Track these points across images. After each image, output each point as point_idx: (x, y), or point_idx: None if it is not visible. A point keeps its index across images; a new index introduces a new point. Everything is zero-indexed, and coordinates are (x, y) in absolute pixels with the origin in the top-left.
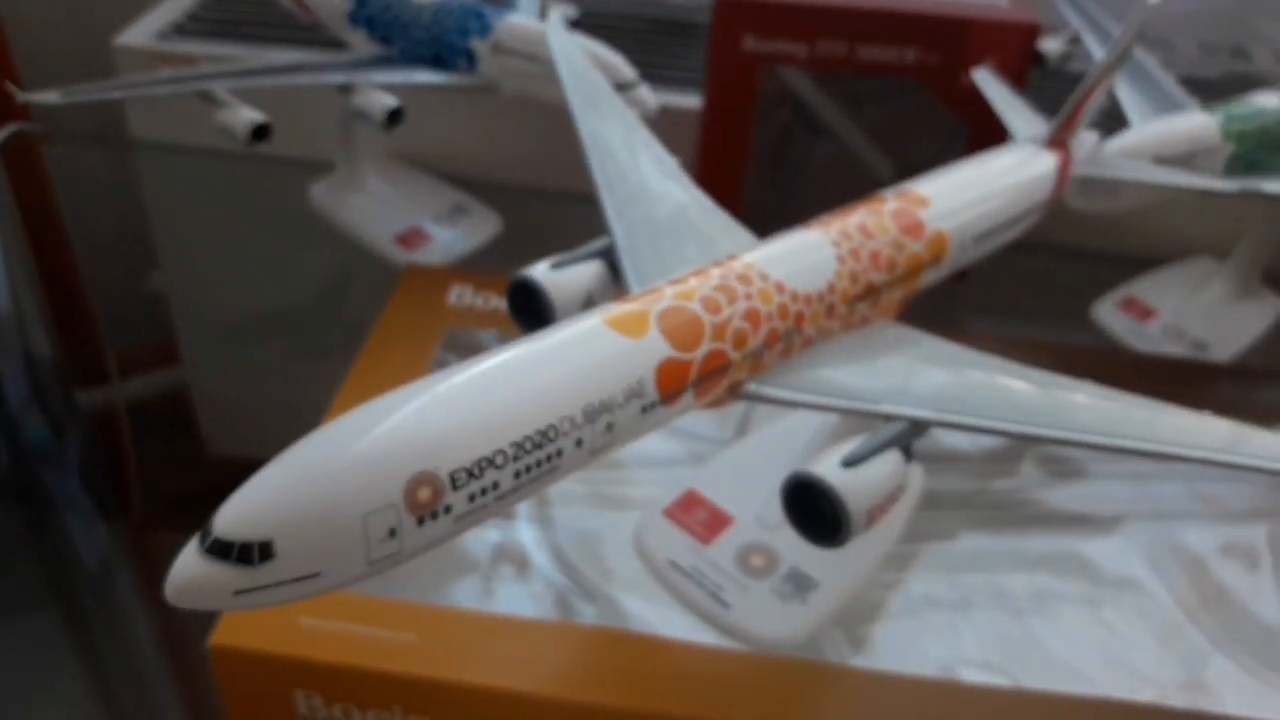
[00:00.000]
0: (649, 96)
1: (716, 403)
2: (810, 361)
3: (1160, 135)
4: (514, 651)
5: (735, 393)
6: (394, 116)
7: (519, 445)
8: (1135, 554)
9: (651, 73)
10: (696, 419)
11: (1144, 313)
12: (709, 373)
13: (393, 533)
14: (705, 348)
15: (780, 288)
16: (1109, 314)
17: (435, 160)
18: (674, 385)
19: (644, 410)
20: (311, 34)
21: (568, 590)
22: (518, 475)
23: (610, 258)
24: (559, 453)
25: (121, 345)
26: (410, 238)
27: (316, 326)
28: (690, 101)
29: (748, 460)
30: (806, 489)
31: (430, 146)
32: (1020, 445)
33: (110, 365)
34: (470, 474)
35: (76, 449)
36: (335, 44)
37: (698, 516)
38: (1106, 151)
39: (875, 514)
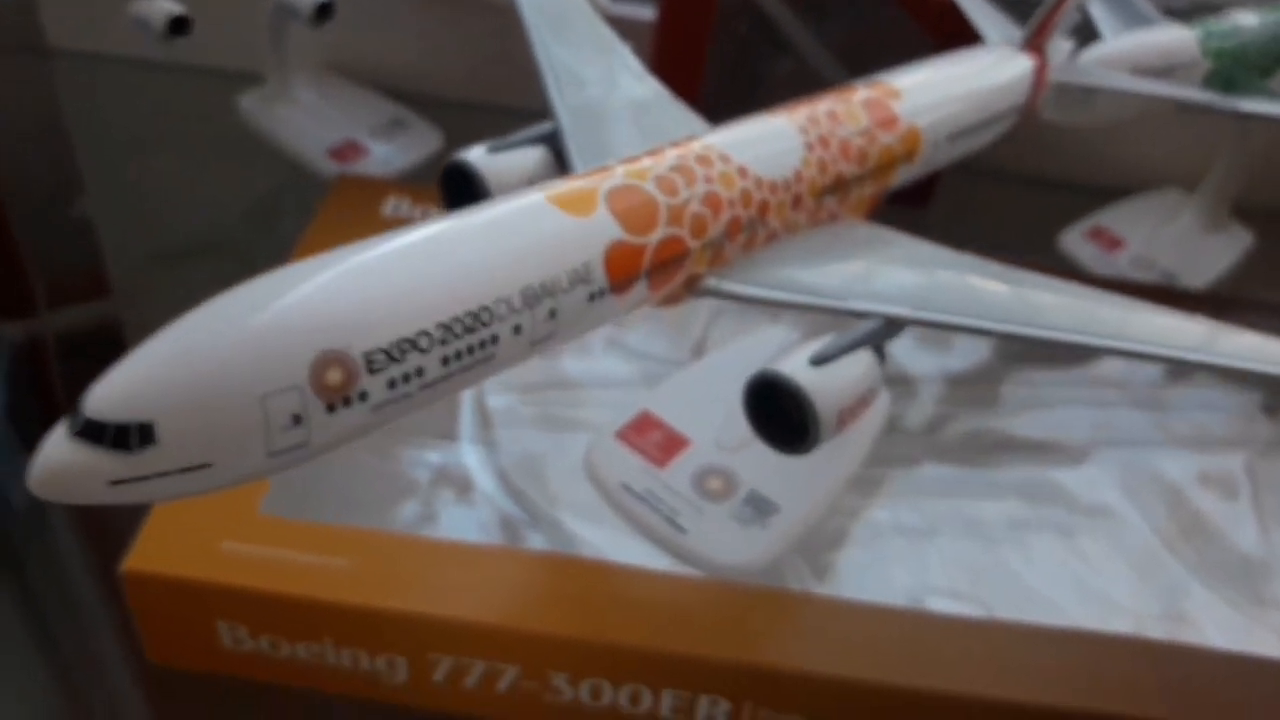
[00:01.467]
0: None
1: (673, 299)
2: (775, 257)
3: (1138, 46)
4: (456, 578)
5: (693, 288)
6: (323, 11)
7: (447, 327)
8: (1109, 482)
9: None
10: (650, 337)
11: (1112, 243)
12: (664, 261)
13: (297, 419)
14: (660, 232)
15: (743, 172)
16: (1076, 243)
17: (374, 72)
18: (625, 272)
19: (591, 298)
20: None
21: (513, 515)
22: (445, 361)
23: (555, 144)
24: (494, 339)
25: (48, 274)
26: (344, 151)
27: (251, 248)
28: (645, 12)
29: (705, 380)
30: (772, 389)
31: (369, 57)
32: (988, 372)
33: (37, 295)
34: (389, 356)
35: (1, 384)
36: None
37: (652, 439)
38: (1083, 61)
39: (846, 416)
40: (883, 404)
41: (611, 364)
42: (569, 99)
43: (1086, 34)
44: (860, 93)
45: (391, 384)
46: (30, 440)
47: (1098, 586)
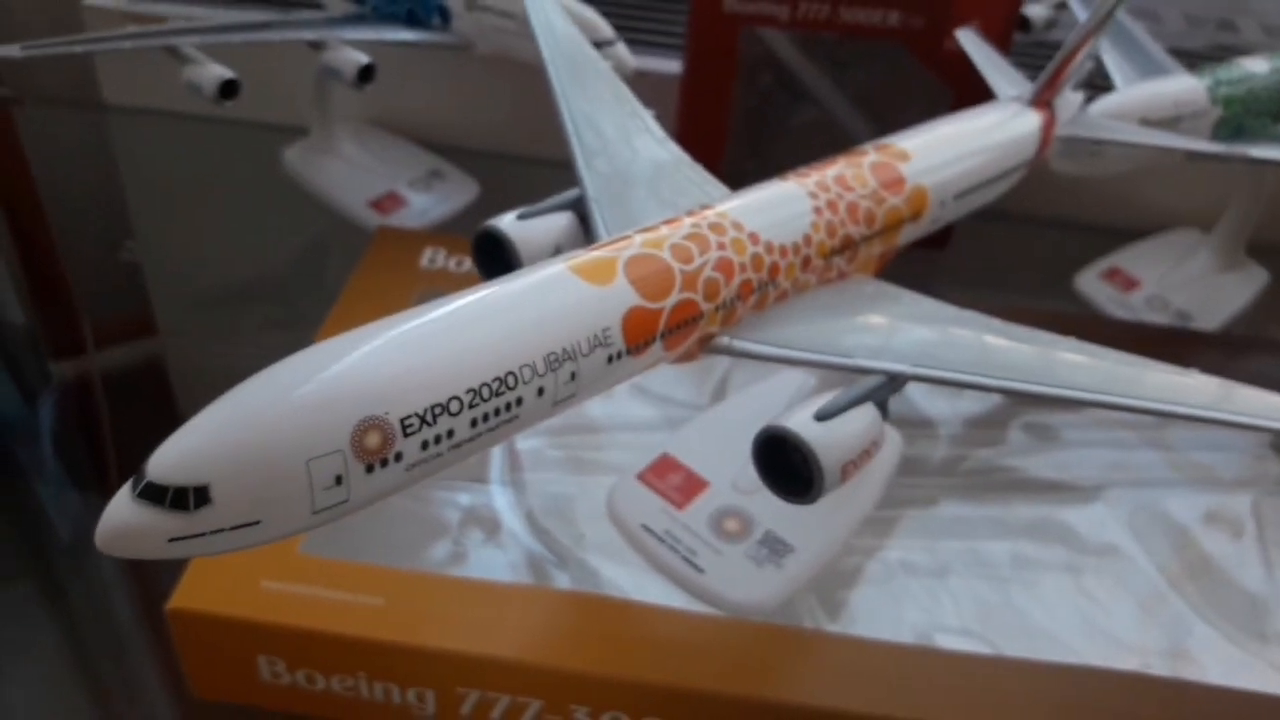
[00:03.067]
0: (627, 56)
1: (688, 356)
2: (785, 315)
3: (1146, 97)
4: (484, 616)
5: (707, 345)
6: (365, 74)
7: (475, 392)
8: (1117, 522)
9: (632, 36)
10: (671, 382)
11: (1128, 283)
12: (678, 323)
13: (339, 480)
14: (675, 297)
15: (754, 238)
16: (1091, 284)
17: (413, 125)
18: (642, 335)
19: (610, 360)
20: None
21: (540, 555)
22: (474, 424)
23: (580, 210)
24: (519, 401)
25: (97, 315)
26: (385, 203)
27: (292, 294)
28: (671, 65)
29: (723, 424)
30: (778, 443)
31: (408, 111)
32: (1001, 412)
33: (86, 335)
34: (423, 420)
35: (50, 420)
36: (310, 4)
37: (672, 481)
38: (1092, 113)
39: (849, 469)
40: (894, 447)
41: (635, 408)
42: (594, 166)
43: (1102, 83)
44: (870, 156)
45: (424, 445)
46: (77, 474)
47: (1104, 624)
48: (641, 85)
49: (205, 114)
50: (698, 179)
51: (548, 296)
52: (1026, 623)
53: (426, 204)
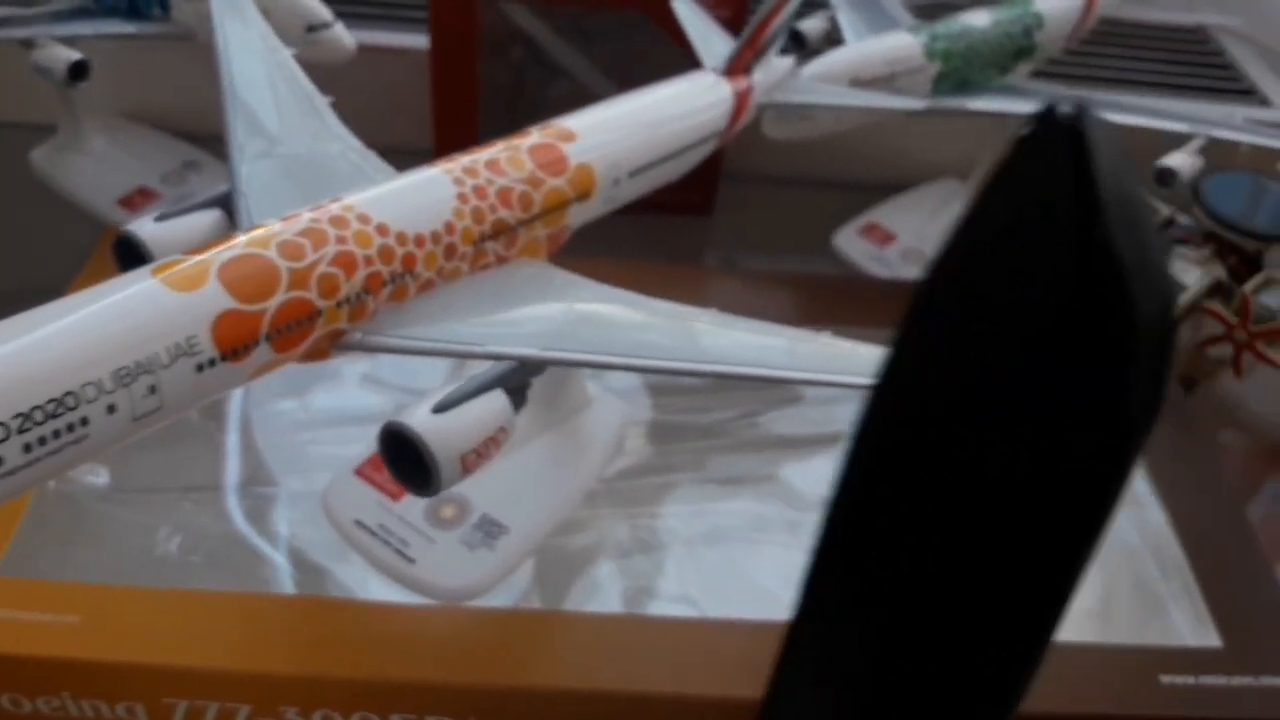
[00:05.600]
0: (345, 37)
1: (316, 354)
2: (429, 306)
3: (856, 58)
4: (190, 626)
5: (338, 343)
6: (77, 71)
7: (25, 416)
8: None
9: (384, 11)
10: (406, 370)
11: (884, 238)
12: (286, 323)
13: None
14: (280, 297)
15: (383, 229)
16: (849, 242)
17: (173, 116)
18: (238, 339)
19: (201, 369)
20: None
21: (265, 558)
22: (28, 449)
23: (230, 207)
24: (84, 421)
25: None
26: (134, 200)
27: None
28: (424, 41)
29: None
30: (398, 438)
31: (166, 102)
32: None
33: None
34: None
35: None
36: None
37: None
38: (803, 77)
39: (470, 460)
40: (616, 417)
41: (367, 397)
42: (250, 158)
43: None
44: (531, 138)
45: None
46: None
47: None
48: (396, 61)
49: None
50: (367, 169)
51: (123, 309)
52: (748, 583)
53: (179, 198)
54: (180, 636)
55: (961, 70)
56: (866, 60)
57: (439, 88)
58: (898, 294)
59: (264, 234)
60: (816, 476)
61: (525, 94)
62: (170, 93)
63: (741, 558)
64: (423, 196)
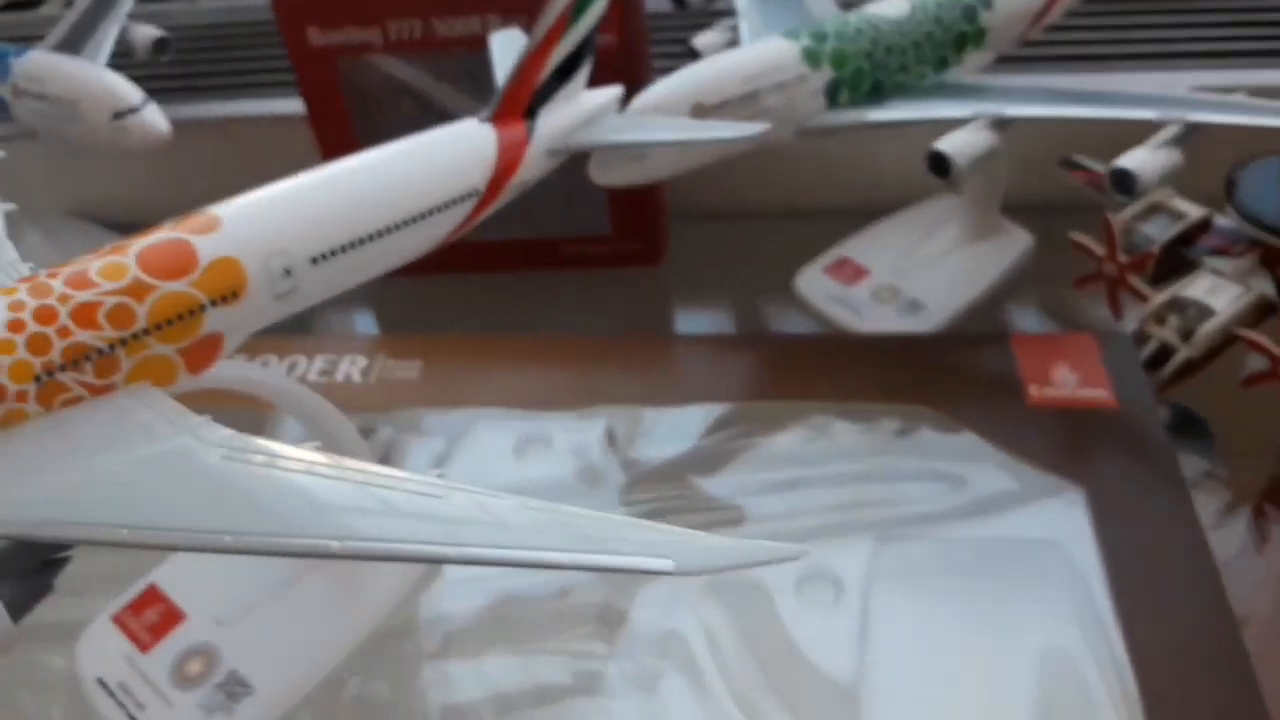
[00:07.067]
0: (157, 120)
1: None
2: None
3: (700, 79)
4: None
5: None
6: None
7: None
8: None
9: (262, 80)
10: None
11: (855, 274)
12: None
13: None
14: None
15: None
16: (811, 283)
17: (114, 209)
18: None
19: None
20: None
21: None
22: None
23: None
24: None
25: None
26: None
27: None
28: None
29: None
30: None
31: (106, 196)
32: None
33: None
34: None
35: None
36: None
37: (147, 618)
38: (631, 110)
39: None
40: (408, 578)
41: None
42: None
43: None
44: (154, 235)
45: None
46: None
47: None
48: (282, 128)
49: None
50: None
51: None
52: None
53: None
54: None
55: (869, 73)
56: (714, 80)
57: (324, 150)
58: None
59: None
60: None
61: None
62: (108, 186)
63: None
64: None
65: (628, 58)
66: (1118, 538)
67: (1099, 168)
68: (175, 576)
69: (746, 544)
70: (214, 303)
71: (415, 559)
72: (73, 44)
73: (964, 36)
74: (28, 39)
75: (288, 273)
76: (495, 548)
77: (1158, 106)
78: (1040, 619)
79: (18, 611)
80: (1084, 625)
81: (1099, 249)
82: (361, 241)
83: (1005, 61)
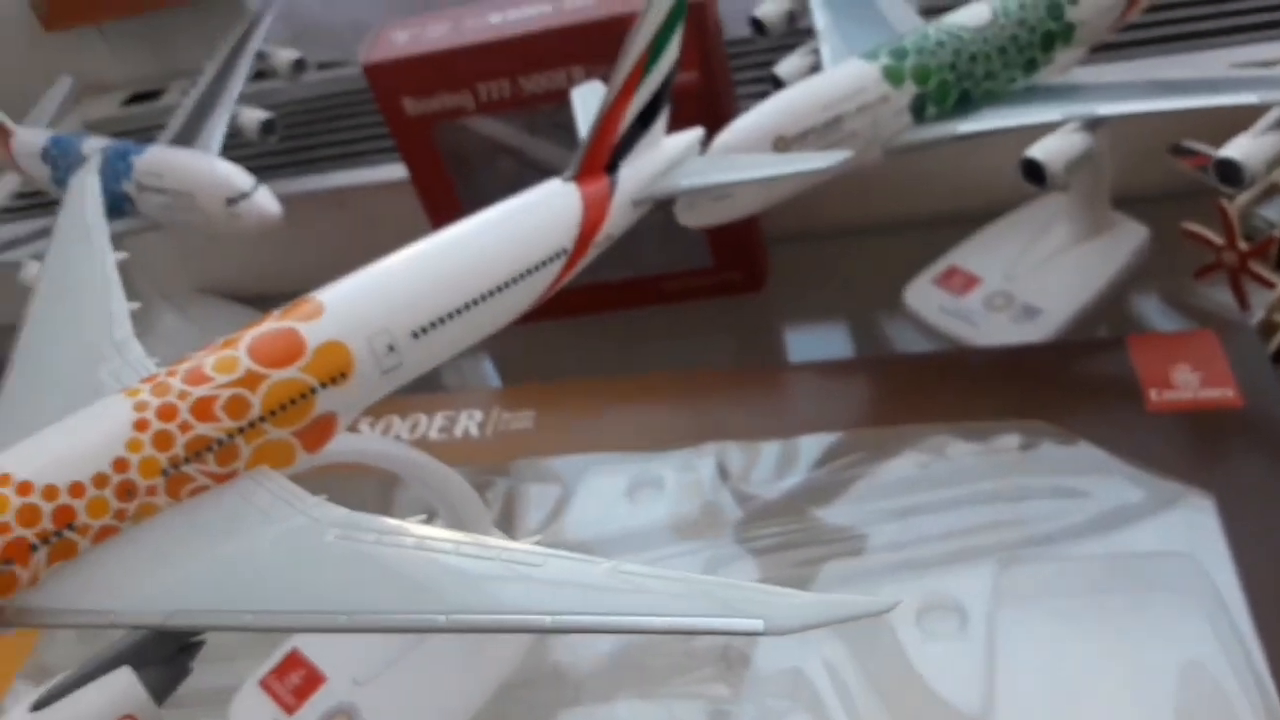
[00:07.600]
0: (269, 202)
1: None
2: (110, 555)
3: (777, 112)
4: None
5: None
6: (268, 128)
7: None
8: None
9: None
10: None
11: (966, 283)
12: None
13: None
14: None
15: (26, 488)
16: (921, 295)
17: (246, 283)
18: None
19: None
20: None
21: None
22: None
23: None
24: None
25: None
26: None
27: None
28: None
29: None
30: None
31: (235, 273)
32: None
33: None
34: None
35: None
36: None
37: (291, 681)
38: (713, 150)
39: None
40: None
41: None
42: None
43: None
44: (260, 327)
45: None
46: None
47: None
48: (395, 195)
49: None
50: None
51: None
52: None
53: None
54: None
55: (954, 85)
56: (794, 111)
57: (430, 214)
58: (966, 371)
59: None
60: None
61: None
62: (231, 263)
63: None
64: (83, 437)
65: (711, 94)
66: (1252, 544)
67: (1211, 151)
68: (314, 640)
69: (837, 599)
70: (324, 385)
71: (515, 629)
72: (188, 135)
73: (1051, 35)
74: (152, 130)
75: (391, 349)
76: (591, 614)
77: (1259, 89)
78: (1175, 635)
79: (160, 695)
80: (1221, 638)
81: (1216, 238)
82: (458, 311)
83: (1099, 50)
